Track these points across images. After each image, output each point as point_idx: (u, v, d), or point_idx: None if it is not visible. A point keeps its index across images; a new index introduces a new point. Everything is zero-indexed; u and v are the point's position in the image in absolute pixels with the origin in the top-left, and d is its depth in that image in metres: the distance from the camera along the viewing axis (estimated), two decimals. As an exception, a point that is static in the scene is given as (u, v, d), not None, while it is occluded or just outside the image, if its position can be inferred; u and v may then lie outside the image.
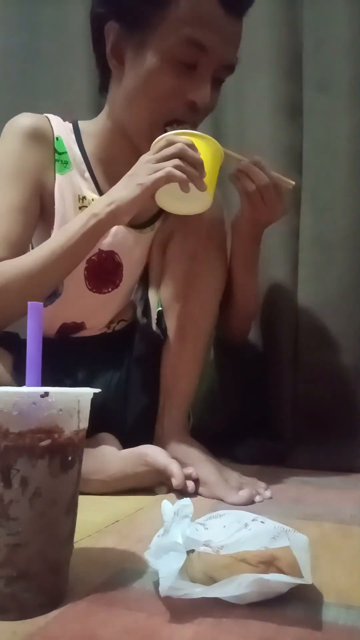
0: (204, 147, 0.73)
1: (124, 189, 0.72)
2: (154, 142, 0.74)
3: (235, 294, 0.93)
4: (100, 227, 0.73)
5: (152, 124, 0.79)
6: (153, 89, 0.78)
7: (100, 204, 0.73)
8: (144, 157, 0.73)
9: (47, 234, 0.85)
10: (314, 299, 1.06)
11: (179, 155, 0.70)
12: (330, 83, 1.05)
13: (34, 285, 0.74)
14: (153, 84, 0.78)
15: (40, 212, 0.85)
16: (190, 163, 0.70)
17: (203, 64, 0.77)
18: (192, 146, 0.71)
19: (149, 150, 0.76)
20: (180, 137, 0.72)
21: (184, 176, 0.69)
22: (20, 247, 0.80)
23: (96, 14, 0.81)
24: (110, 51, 0.81)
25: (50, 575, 0.40)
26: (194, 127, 0.81)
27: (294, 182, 0.82)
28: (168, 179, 0.69)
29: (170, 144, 0.71)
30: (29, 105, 1.31)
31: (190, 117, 0.80)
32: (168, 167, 0.69)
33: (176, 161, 0.69)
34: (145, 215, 0.90)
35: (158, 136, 0.77)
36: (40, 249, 0.75)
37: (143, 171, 0.71)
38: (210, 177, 0.73)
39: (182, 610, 0.40)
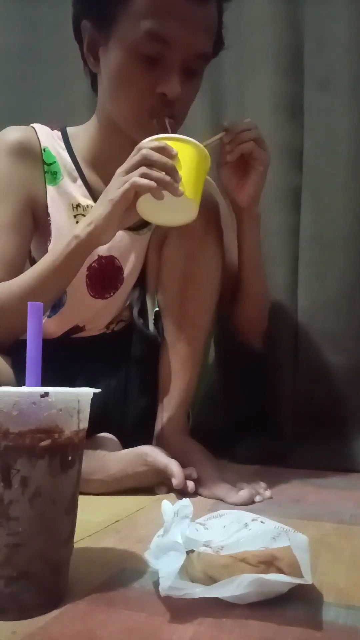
0: (181, 150, 0.68)
1: (100, 207, 0.70)
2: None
3: (247, 287, 0.91)
4: (81, 248, 0.72)
5: (138, 117, 0.78)
6: (123, 85, 0.77)
7: (81, 224, 0.72)
8: (118, 170, 0.71)
9: (45, 246, 0.85)
10: (314, 299, 1.06)
11: (144, 162, 0.66)
12: (331, 81, 1.05)
13: (26, 307, 0.73)
14: (121, 80, 0.77)
15: (35, 226, 0.85)
16: (159, 168, 0.65)
17: (168, 55, 0.74)
18: (161, 149, 0.67)
19: (141, 138, 0.75)
20: (150, 142, 0.68)
21: (151, 183, 0.64)
22: (15, 267, 0.80)
23: (73, 14, 0.81)
24: (86, 50, 0.80)
25: (50, 575, 0.40)
26: (176, 122, 0.79)
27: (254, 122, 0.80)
28: (136, 189, 0.66)
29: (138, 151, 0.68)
30: (28, 105, 1.32)
31: (167, 111, 0.77)
32: (134, 177, 0.66)
33: (142, 169, 0.66)
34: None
35: (146, 123, 0.76)
36: (30, 271, 0.76)
37: (114, 185, 0.69)
38: (191, 182, 0.67)
39: (182, 610, 0.40)
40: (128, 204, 0.68)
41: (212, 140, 0.76)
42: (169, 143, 0.68)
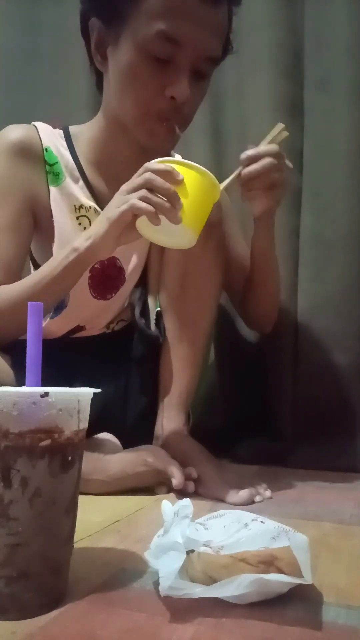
0: (188, 176, 0.65)
1: (99, 223, 0.70)
2: None
3: (260, 280, 0.92)
4: (79, 262, 0.72)
5: (146, 119, 0.78)
6: (132, 85, 0.77)
7: (81, 238, 0.71)
8: (122, 187, 0.69)
9: (49, 248, 0.85)
10: (314, 299, 1.06)
11: (146, 185, 0.64)
12: (331, 82, 1.05)
13: (24, 312, 0.74)
14: (130, 80, 0.77)
15: (36, 227, 0.85)
16: (160, 194, 0.64)
17: (178, 57, 0.74)
18: (167, 173, 0.64)
19: (148, 140, 0.75)
20: (157, 164, 0.66)
21: (149, 207, 0.63)
22: (14, 269, 0.81)
23: (81, 12, 0.81)
24: (94, 48, 0.80)
25: (50, 575, 0.40)
26: (184, 124, 0.79)
27: (283, 125, 0.77)
28: (133, 212, 0.65)
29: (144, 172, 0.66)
30: (28, 106, 1.32)
31: (175, 113, 0.77)
32: (133, 199, 0.65)
33: (142, 192, 0.64)
34: None
35: (154, 125, 0.76)
36: (29, 278, 0.76)
37: (114, 203, 0.68)
38: (193, 211, 0.65)
39: (182, 610, 0.40)
40: (125, 225, 0.67)
41: (230, 180, 0.74)
42: (177, 168, 0.65)
